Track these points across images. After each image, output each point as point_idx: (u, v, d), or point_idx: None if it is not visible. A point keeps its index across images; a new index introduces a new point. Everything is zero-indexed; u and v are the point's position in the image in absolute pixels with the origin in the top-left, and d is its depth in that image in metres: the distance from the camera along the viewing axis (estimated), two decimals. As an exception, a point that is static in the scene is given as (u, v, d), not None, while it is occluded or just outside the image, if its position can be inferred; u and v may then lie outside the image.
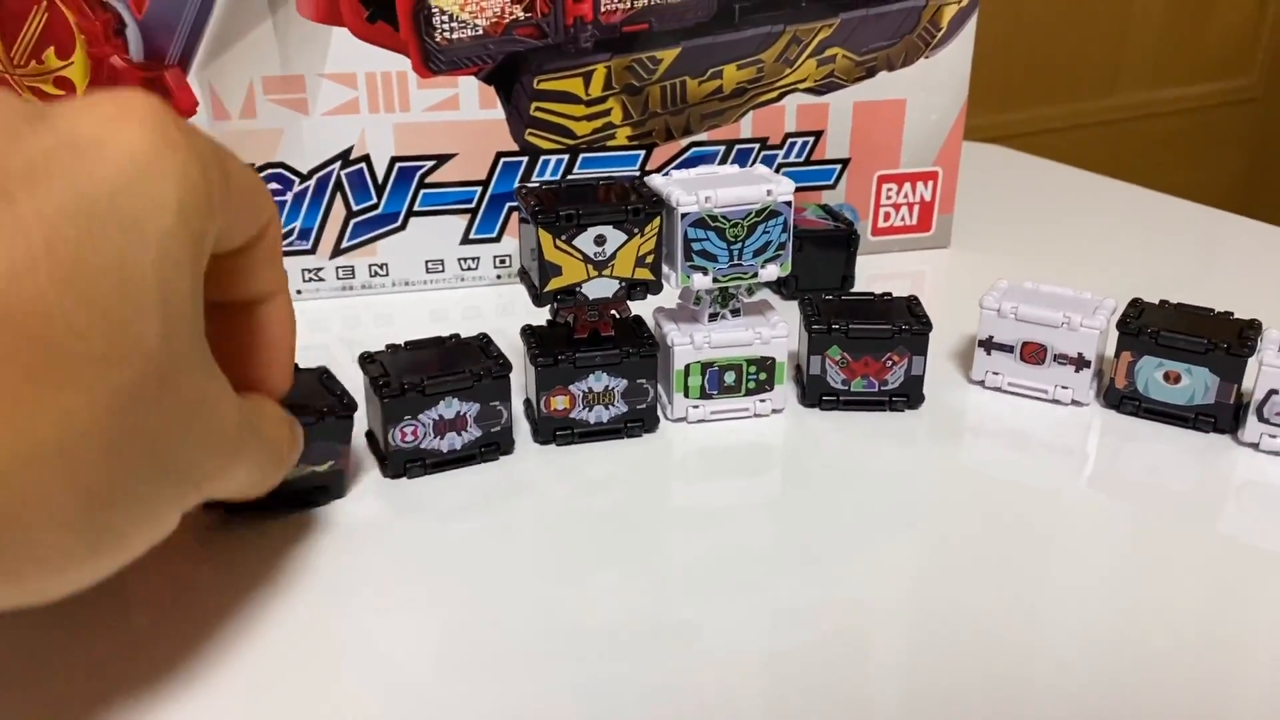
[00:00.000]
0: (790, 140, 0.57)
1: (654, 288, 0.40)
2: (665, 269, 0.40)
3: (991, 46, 1.24)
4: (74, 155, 0.23)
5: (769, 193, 0.39)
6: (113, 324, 0.23)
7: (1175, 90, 1.45)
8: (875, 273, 0.57)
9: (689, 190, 0.39)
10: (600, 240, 0.38)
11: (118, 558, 0.25)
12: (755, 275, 0.41)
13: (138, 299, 0.23)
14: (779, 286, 0.55)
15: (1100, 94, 1.39)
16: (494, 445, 0.39)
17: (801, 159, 0.57)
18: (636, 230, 0.39)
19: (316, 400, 0.36)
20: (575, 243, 0.38)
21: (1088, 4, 1.32)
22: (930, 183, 0.59)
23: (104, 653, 0.30)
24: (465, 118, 0.52)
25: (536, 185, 0.40)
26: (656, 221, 0.39)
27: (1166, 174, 1.41)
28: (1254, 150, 1.57)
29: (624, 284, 0.39)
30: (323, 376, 0.38)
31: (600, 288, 0.39)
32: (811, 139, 0.57)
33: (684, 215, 0.39)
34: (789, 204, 0.40)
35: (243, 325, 0.32)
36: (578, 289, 0.39)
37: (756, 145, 0.57)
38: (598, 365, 0.40)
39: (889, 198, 0.59)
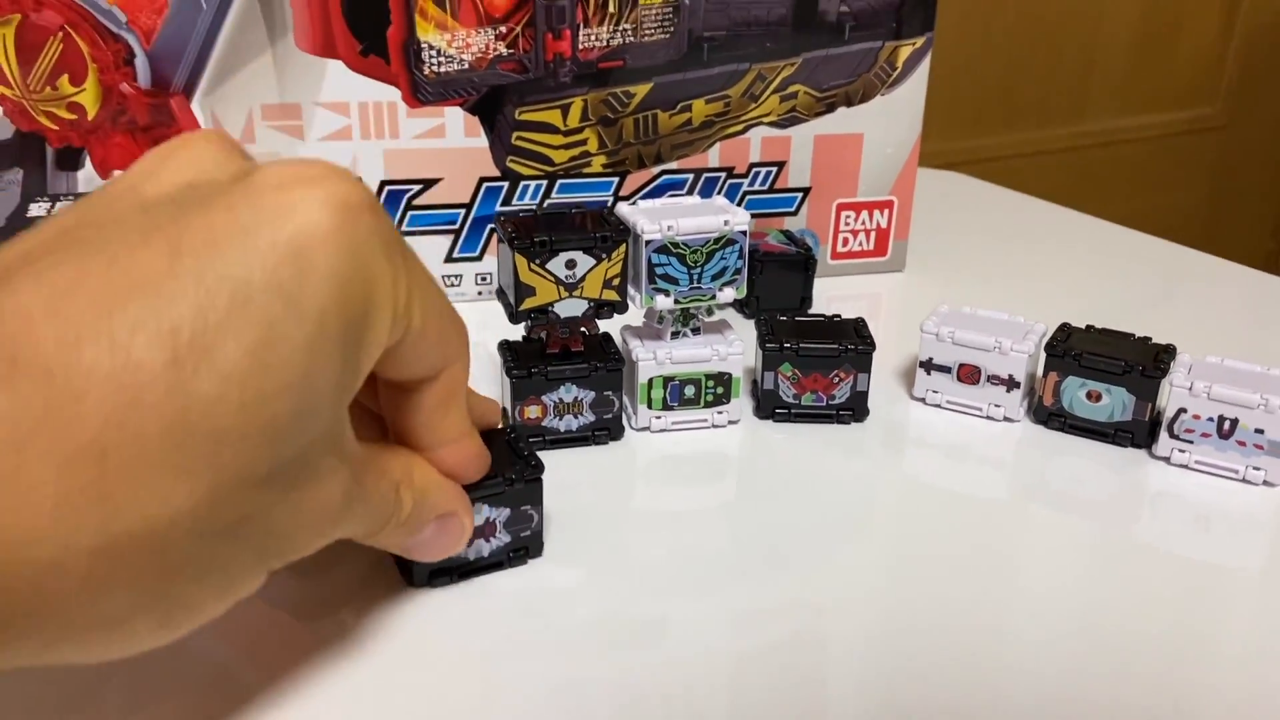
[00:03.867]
0: (755, 169, 0.61)
1: (620, 308, 0.44)
2: (631, 290, 0.44)
3: (960, 73, 1.28)
4: (254, 221, 0.23)
5: (726, 223, 0.43)
6: (246, 401, 0.22)
7: (1141, 118, 1.49)
8: (833, 294, 0.61)
9: (653, 219, 0.43)
10: (571, 264, 0.42)
11: (189, 624, 0.24)
12: (713, 297, 0.44)
13: (280, 376, 0.22)
14: (742, 306, 0.59)
15: (1067, 121, 1.43)
16: None
17: (765, 187, 0.61)
18: (604, 255, 0.42)
19: (503, 466, 0.35)
20: (548, 266, 0.42)
21: (1056, 32, 1.36)
22: (886, 211, 0.63)
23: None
24: (451, 145, 0.56)
25: (514, 213, 0.43)
26: (623, 248, 0.42)
27: (1131, 200, 1.45)
28: (1217, 177, 1.61)
29: (592, 304, 0.43)
30: (508, 437, 0.37)
31: (571, 307, 0.43)
32: (775, 169, 0.61)
33: (648, 242, 0.42)
34: (744, 233, 0.44)
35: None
36: (550, 308, 0.43)
37: (723, 174, 0.60)
38: (568, 378, 0.43)
39: (847, 224, 0.63)
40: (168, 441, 0.21)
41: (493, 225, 0.58)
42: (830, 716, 0.32)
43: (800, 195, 0.62)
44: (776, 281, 0.57)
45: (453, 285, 0.59)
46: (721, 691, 0.32)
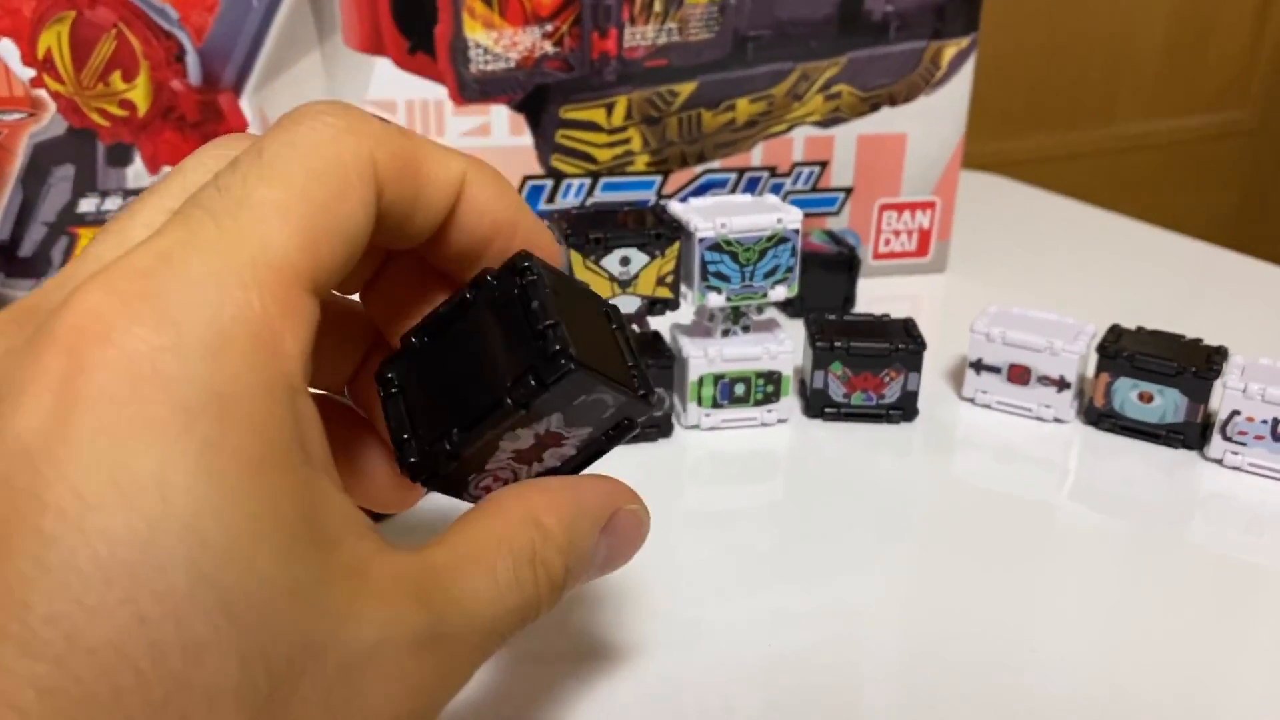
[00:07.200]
0: (797, 169, 0.61)
1: (672, 305, 0.44)
2: (683, 288, 0.44)
3: (992, 75, 1.27)
4: None
5: (779, 221, 0.43)
6: None
7: (1171, 121, 1.48)
8: (876, 295, 0.61)
9: (706, 217, 0.43)
10: (625, 261, 0.42)
11: None
12: (765, 295, 0.44)
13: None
14: (785, 306, 0.59)
15: (1098, 124, 1.42)
16: None
17: (808, 187, 0.61)
18: (658, 252, 0.42)
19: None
20: (602, 263, 0.42)
21: (1087, 35, 1.35)
22: (929, 211, 0.63)
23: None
24: (496, 143, 0.56)
25: (568, 210, 0.44)
26: (676, 245, 0.42)
27: (1162, 204, 1.44)
28: (1248, 182, 1.60)
29: (646, 301, 0.43)
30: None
31: (624, 304, 0.43)
32: (818, 168, 0.61)
33: (701, 240, 0.42)
34: (797, 231, 0.44)
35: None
36: (603, 305, 0.43)
37: (766, 173, 0.60)
38: (619, 375, 0.43)
39: (889, 225, 0.63)
40: None
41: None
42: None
43: (843, 195, 0.62)
44: (820, 281, 0.57)
45: (495, 283, 0.59)
46: (757, 693, 0.32)
